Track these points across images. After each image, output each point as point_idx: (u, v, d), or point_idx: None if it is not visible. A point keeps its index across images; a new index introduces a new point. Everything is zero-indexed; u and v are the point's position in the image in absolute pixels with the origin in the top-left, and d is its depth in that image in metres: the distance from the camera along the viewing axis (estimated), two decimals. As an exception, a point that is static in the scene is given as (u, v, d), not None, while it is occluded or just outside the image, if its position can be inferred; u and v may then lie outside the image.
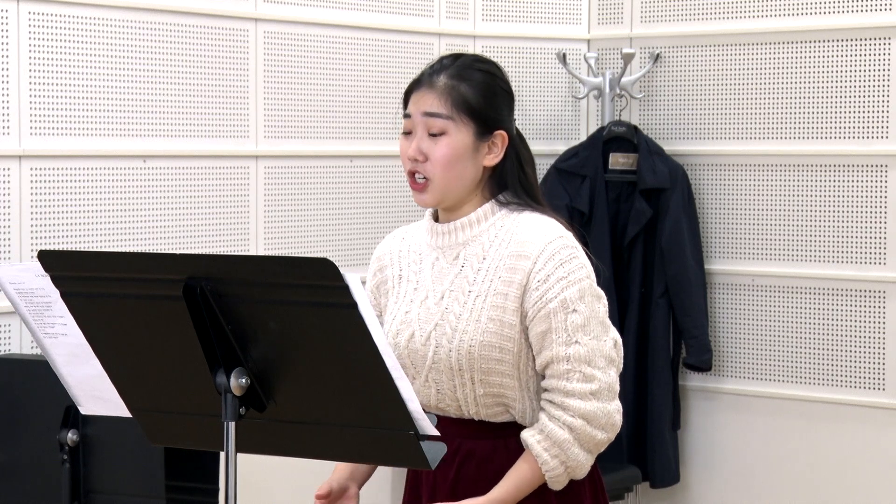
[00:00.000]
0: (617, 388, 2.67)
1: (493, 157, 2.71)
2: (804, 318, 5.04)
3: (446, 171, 2.67)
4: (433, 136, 2.68)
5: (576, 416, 2.61)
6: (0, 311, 3.93)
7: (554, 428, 2.62)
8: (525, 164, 2.76)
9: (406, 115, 2.72)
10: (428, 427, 2.20)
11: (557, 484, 2.66)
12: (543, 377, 2.67)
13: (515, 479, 2.65)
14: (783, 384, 5.10)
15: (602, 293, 2.70)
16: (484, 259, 2.68)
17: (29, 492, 3.67)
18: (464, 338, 2.64)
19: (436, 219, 2.78)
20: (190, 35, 4.35)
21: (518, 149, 2.76)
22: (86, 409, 2.48)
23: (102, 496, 3.58)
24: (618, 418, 2.67)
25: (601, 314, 2.67)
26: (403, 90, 2.76)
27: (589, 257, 2.69)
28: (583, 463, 2.65)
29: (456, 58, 2.75)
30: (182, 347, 2.21)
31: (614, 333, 2.70)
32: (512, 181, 2.74)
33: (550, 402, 2.64)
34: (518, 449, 2.68)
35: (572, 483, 2.70)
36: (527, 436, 2.65)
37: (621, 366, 2.71)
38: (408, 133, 2.71)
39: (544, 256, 2.63)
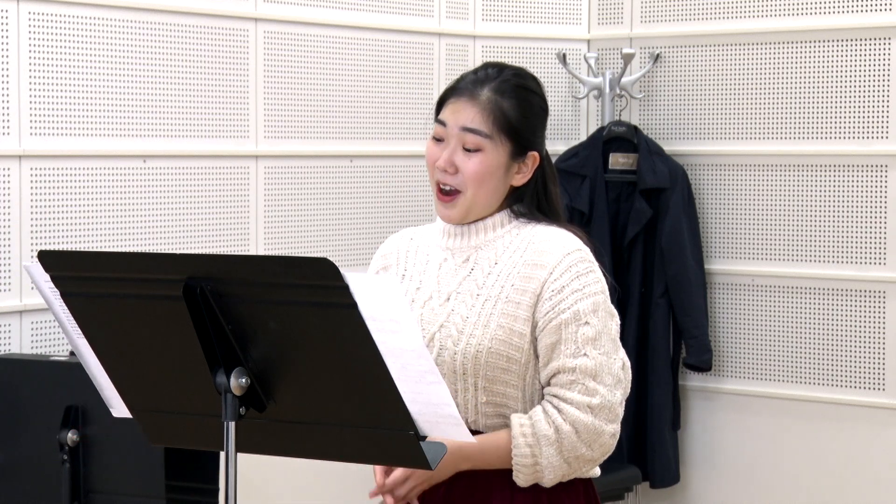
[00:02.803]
0: (620, 411, 2.58)
1: (521, 177, 2.67)
2: (804, 318, 5.04)
3: (477, 187, 2.62)
4: (467, 150, 2.62)
5: (566, 422, 2.55)
6: (0, 311, 3.93)
7: (541, 420, 2.56)
8: (549, 181, 2.71)
9: (440, 122, 2.65)
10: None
11: (521, 476, 2.57)
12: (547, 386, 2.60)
13: (487, 440, 2.57)
14: (783, 384, 5.10)
15: (615, 311, 2.63)
16: (496, 264, 2.63)
17: (29, 492, 3.67)
18: (471, 341, 2.58)
19: None
20: (190, 35, 4.35)
21: (545, 167, 2.71)
22: (118, 411, 2.46)
23: (102, 496, 3.57)
24: (610, 442, 2.57)
25: (613, 332, 2.61)
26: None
27: (605, 275, 2.63)
28: (554, 468, 2.57)
29: (501, 69, 2.67)
30: (182, 347, 2.21)
31: (623, 355, 2.63)
32: (530, 198, 2.69)
33: (549, 401, 2.59)
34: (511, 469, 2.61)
35: (565, 497, 2.64)
36: (514, 417, 2.58)
37: (629, 389, 2.61)
38: (439, 140, 2.65)
39: (561, 268, 2.58)
